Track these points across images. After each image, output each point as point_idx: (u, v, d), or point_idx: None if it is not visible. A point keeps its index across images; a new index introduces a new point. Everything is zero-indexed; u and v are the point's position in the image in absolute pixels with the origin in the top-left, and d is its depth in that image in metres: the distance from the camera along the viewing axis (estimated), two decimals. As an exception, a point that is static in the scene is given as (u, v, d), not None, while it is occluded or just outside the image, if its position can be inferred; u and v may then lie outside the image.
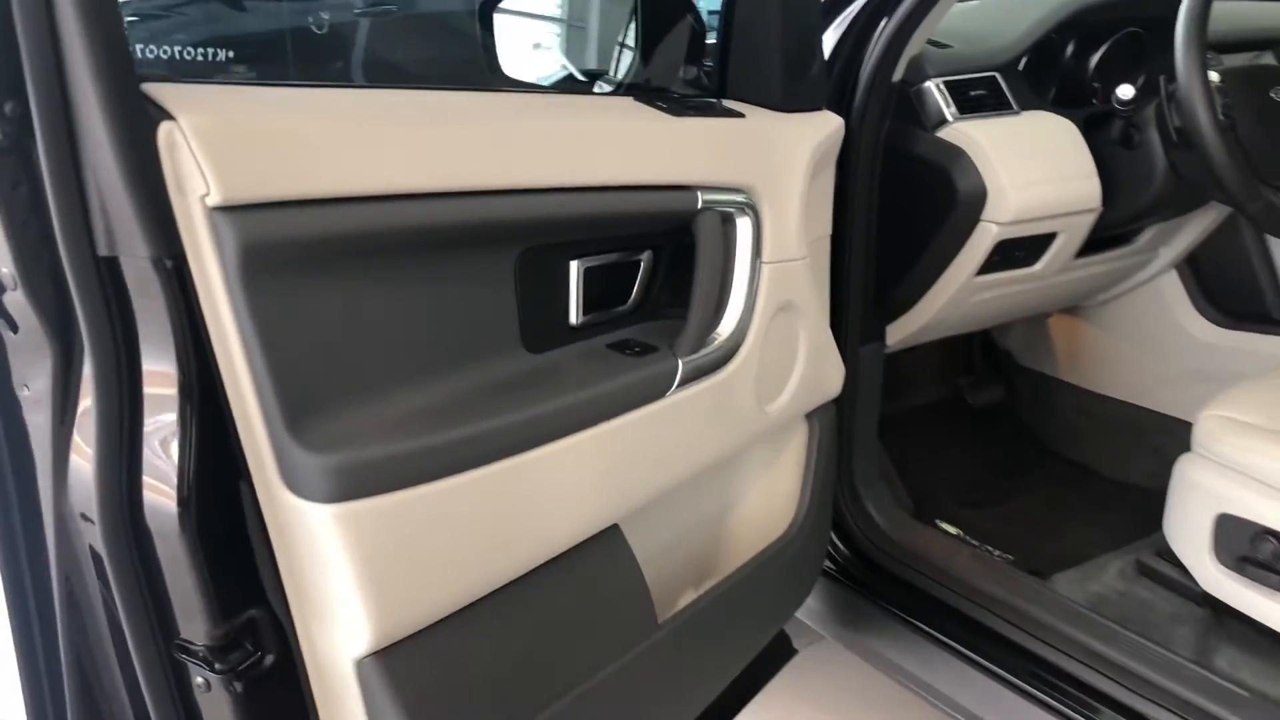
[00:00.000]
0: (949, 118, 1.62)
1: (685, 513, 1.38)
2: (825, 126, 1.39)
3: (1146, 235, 1.92)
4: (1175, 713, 1.34)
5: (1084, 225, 1.70)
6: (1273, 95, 1.67)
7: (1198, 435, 1.52)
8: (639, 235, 1.18)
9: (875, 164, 1.66)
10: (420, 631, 0.92)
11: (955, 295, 1.72)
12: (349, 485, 0.83)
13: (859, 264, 1.69)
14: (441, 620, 0.94)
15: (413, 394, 0.93)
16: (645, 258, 1.19)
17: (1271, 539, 1.38)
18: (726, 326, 1.22)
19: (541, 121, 1.04)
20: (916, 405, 2.38)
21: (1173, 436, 2.11)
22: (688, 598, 1.33)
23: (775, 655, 1.76)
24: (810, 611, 1.86)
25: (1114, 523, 2.00)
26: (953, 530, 2.01)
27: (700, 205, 1.15)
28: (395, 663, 0.90)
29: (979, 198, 1.59)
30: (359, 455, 0.84)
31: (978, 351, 2.43)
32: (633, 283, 1.20)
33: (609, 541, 1.14)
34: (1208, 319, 2.04)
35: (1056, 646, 1.49)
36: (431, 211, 0.91)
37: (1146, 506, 1.98)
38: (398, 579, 0.88)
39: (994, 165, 1.58)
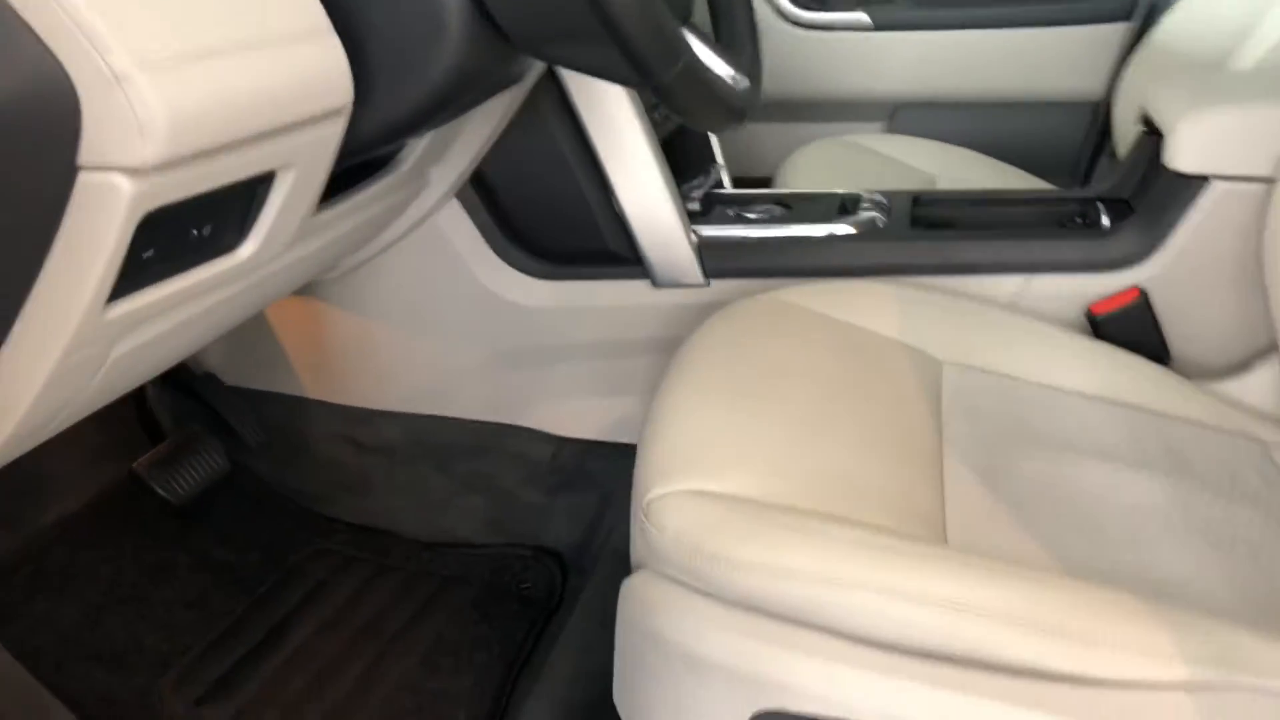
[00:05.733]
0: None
1: None
2: None
3: (419, 149, 1.07)
4: None
5: (328, 144, 0.77)
6: None
7: (645, 547, 0.75)
8: None
9: None
10: None
11: (78, 355, 0.68)
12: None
13: None
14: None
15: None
16: None
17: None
18: None
19: None
20: (70, 515, 1.27)
21: (502, 454, 1.37)
22: None
23: None
24: None
25: (441, 636, 1.21)
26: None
27: None
28: None
29: (58, 108, 0.56)
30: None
31: (155, 396, 1.39)
32: None
33: None
34: (518, 268, 1.28)
35: None
36: None
37: (480, 572, 1.28)
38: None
39: (85, 14, 0.56)
